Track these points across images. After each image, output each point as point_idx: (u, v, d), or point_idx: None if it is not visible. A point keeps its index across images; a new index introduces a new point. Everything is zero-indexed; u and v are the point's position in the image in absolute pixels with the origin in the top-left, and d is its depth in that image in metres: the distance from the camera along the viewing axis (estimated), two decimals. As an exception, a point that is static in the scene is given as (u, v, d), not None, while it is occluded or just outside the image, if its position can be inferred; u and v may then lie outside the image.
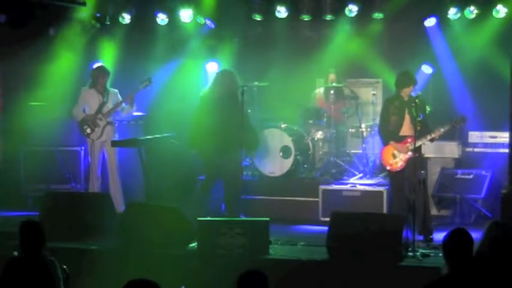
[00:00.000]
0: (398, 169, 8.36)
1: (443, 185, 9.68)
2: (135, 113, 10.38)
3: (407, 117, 8.32)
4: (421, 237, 8.01)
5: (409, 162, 8.27)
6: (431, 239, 8.10)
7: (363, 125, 10.65)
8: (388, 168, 8.50)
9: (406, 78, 8.39)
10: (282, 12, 10.50)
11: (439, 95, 10.38)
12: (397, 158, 8.35)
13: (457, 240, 4.66)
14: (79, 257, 7.63)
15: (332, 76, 10.83)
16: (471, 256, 4.62)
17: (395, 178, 8.51)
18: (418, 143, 8.07)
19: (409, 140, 8.25)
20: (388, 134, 8.43)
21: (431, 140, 8.37)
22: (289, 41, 10.98)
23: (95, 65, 10.27)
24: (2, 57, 10.70)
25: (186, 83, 10.89)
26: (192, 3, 10.67)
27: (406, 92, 8.34)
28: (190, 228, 7.92)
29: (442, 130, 8.25)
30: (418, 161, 8.11)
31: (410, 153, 8.22)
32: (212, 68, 11.15)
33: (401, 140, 8.35)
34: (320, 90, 11.05)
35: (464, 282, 4.52)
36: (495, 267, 4.61)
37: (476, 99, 10.21)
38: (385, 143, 8.46)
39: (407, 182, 8.22)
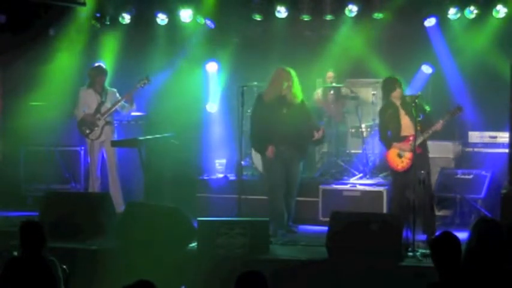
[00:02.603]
0: (405, 168, 8.32)
1: (443, 185, 9.67)
2: (136, 113, 10.38)
3: (404, 120, 8.32)
4: (423, 237, 8.01)
5: (414, 160, 8.26)
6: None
7: (363, 125, 10.66)
8: (396, 169, 8.44)
9: (389, 84, 8.41)
10: (282, 12, 10.50)
11: (439, 95, 10.38)
12: (403, 157, 8.35)
13: (445, 246, 4.68)
14: (79, 257, 7.63)
15: (330, 74, 10.84)
16: (460, 259, 4.64)
17: (398, 178, 8.49)
18: (418, 141, 8.07)
19: (411, 138, 8.25)
20: (389, 140, 8.44)
21: (432, 133, 8.36)
22: (289, 41, 10.98)
23: (94, 65, 10.29)
24: (2, 57, 10.70)
25: (185, 83, 10.89)
26: (192, 3, 10.67)
27: (396, 96, 8.34)
28: (191, 228, 7.92)
29: (441, 122, 8.23)
30: (422, 160, 8.11)
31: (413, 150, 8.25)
32: (212, 68, 11.15)
33: (403, 140, 8.35)
34: (319, 91, 11.05)
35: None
36: (486, 261, 4.64)
37: (476, 99, 10.20)
38: (388, 147, 8.45)
39: (409, 181, 8.20)
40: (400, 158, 8.37)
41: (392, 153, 8.43)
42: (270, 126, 8.60)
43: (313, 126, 8.83)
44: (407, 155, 8.30)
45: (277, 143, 8.60)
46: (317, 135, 8.68)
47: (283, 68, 8.75)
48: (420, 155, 8.11)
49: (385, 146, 8.56)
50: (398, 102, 8.37)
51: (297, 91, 8.72)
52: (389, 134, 8.46)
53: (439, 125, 8.20)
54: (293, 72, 8.71)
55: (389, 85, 8.41)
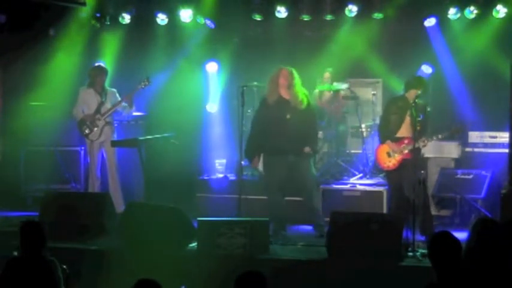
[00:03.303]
0: (391, 168, 8.41)
1: (443, 185, 9.68)
2: (136, 113, 10.38)
3: (407, 119, 8.33)
4: (422, 238, 8.01)
5: (404, 162, 8.30)
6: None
7: (363, 125, 10.66)
8: (381, 167, 8.57)
9: (415, 81, 8.42)
10: (282, 12, 10.50)
11: (439, 95, 10.38)
12: (391, 158, 8.39)
13: (443, 245, 4.68)
14: (79, 257, 7.63)
15: (327, 75, 10.83)
16: (459, 259, 4.64)
17: (391, 178, 8.57)
18: (417, 144, 8.09)
19: (406, 141, 8.30)
20: (387, 132, 8.46)
21: (424, 145, 8.40)
22: (289, 41, 10.98)
23: (94, 65, 10.29)
24: (2, 57, 10.69)
25: (185, 83, 10.89)
26: (192, 3, 10.67)
27: (411, 94, 8.33)
28: (190, 228, 7.92)
29: (439, 136, 8.31)
30: (417, 161, 8.12)
31: (404, 154, 8.27)
32: (212, 68, 11.15)
33: (398, 140, 8.38)
34: (317, 91, 11.03)
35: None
36: (485, 261, 4.65)
37: (476, 99, 10.21)
38: (382, 141, 8.50)
39: (406, 182, 8.23)
40: (388, 157, 8.41)
41: (383, 150, 8.47)
42: (272, 132, 8.55)
43: (314, 133, 8.79)
44: (397, 156, 8.34)
45: (282, 149, 8.56)
46: (307, 149, 8.62)
47: (283, 67, 8.69)
48: (414, 158, 8.13)
49: (380, 138, 8.57)
50: (410, 101, 8.36)
51: (301, 93, 8.61)
52: (387, 127, 8.48)
53: (434, 140, 8.27)
54: (295, 73, 8.63)
55: (414, 82, 8.42)
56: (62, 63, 10.90)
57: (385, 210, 9.23)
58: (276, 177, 8.66)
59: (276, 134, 8.54)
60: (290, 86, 8.57)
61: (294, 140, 8.51)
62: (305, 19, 10.67)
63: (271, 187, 8.72)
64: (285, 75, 8.57)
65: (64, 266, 5.69)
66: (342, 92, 10.88)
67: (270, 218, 8.25)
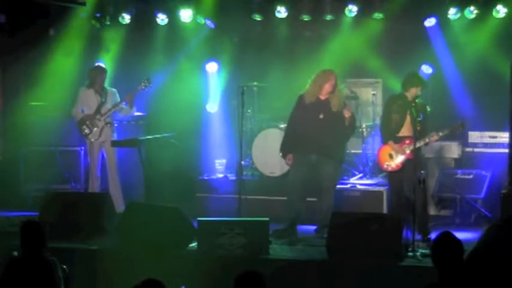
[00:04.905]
0: (394, 170, 8.40)
1: (443, 185, 9.68)
2: (136, 113, 10.37)
3: (408, 118, 8.32)
4: (418, 237, 8.01)
5: (406, 163, 8.30)
6: (429, 239, 8.10)
7: (363, 125, 10.65)
8: (383, 168, 8.55)
9: (416, 79, 8.41)
10: (282, 12, 10.50)
11: (439, 95, 10.36)
12: (393, 159, 8.38)
13: (446, 246, 4.67)
14: (79, 257, 7.63)
15: None
16: (461, 260, 4.64)
17: (393, 178, 8.55)
18: (418, 144, 8.09)
19: (407, 141, 8.29)
20: (389, 132, 8.45)
21: (427, 144, 8.39)
22: (289, 41, 10.97)
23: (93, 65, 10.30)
24: (2, 57, 10.70)
25: (186, 83, 10.89)
26: (192, 3, 10.67)
27: (412, 93, 8.31)
28: (190, 228, 7.93)
29: (440, 134, 8.30)
30: (417, 162, 8.12)
31: (406, 154, 8.26)
32: (212, 68, 11.15)
33: (399, 140, 8.37)
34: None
35: None
36: (490, 265, 4.64)
37: (476, 99, 10.20)
38: (385, 141, 8.49)
39: (406, 182, 8.24)
40: (390, 159, 8.40)
41: (385, 151, 8.47)
42: (302, 130, 8.58)
43: (347, 132, 8.78)
44: (399, 157, 8.33)
45: (307, 148, 8.58)
46: (346, 113, 8.56)
47: (330, 71, 8.72)
48: (415, 159, 8.12)
49: (383, 138, 8.55)
50: (409, 99, 8.35)
51: (342, 97, 8.73)
52: (389, 127, 8.47)
53: (435, 138, 8.26)
54: (336, 77, 8.66)
55: (413, 80, 8.40)
56: (62, 63, 10.89)
57: (385, 210, 9.23)
58: (293, 175, 8.71)
59: (305, 133, 8.58)
60: (334, 90, 8.62)
61: (320, 140, 8.54)
62: (305, 19, 10.66)
63: (290, 185, 8.75)
64: (334, 80, 8.60)
65: (64, 266, 5.69)
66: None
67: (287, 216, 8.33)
